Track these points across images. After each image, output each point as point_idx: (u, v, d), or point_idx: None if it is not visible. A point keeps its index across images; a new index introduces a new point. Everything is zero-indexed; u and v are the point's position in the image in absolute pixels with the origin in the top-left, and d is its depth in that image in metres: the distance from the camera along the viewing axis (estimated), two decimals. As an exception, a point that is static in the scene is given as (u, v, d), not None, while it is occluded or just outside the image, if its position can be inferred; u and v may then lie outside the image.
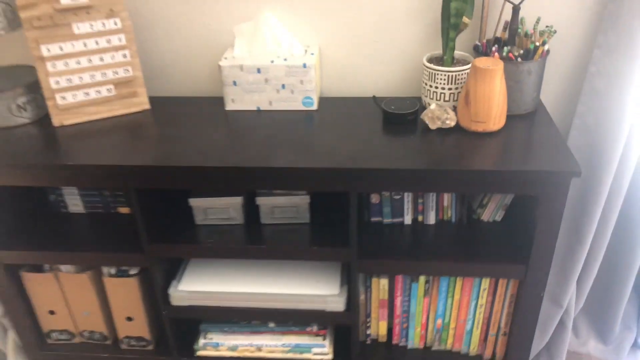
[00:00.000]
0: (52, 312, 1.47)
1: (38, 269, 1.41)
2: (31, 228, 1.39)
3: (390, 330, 1.46)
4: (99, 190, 1.40)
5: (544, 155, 1.09)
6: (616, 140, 1.22)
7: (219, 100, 1.34)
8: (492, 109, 1.11)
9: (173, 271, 1.40)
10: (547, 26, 1.18)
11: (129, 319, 1.44)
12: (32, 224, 1.40)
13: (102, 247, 1.33)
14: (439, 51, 1.25)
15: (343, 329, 1.42)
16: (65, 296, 1.44)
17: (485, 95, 1.10)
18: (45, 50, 1.20)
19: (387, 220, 1.35)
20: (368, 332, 1.46)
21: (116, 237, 1.35)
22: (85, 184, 1.23)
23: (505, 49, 1.16)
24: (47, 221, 1.42)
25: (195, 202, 1.29)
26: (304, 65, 1.23)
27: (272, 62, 1.24)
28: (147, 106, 1.33)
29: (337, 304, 1.32)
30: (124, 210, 1.43)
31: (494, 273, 1.24)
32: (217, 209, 1.30)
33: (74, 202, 1.43)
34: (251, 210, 1.31)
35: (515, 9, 1.16)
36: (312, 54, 1.27)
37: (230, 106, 1.31)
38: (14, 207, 1.38)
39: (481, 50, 1.20)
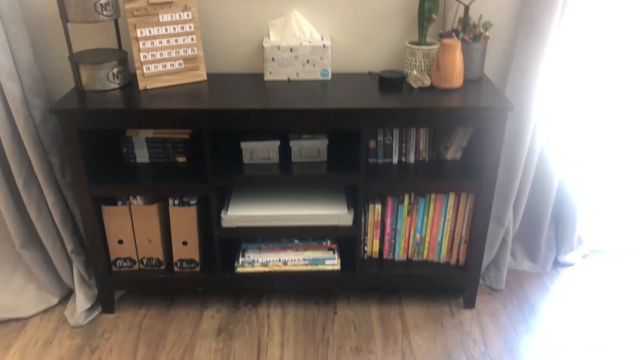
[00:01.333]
0: (120, 242, 1.87)
1: (114, 203, 1.82)
2: (111, 171, 1.81)
3: (381, 248, 1.96)
4: (162, 143, 1.84)
5: (489, 99, 1.66)
6: (533, 98, 1.81)
7: (258, 76, 1.84)
8: (455, 72, 1.68)
9: (221, 202, 1.85)
10: (486, 20, 1.76)
11: (185, 243, 1.87)
12: (111, 170, 1.82)
13: (169, 181, 1.77)
14: (415, 37, 1.81)
15: (347, 246, 1.92)
16: (133, 226, 1.85)
17: (450, 63, 1.66)
18: (139, 32, 1.67)
19: (380, 161, 1.87)
20: (365, 249, 1.96)
21: (179, 177, 1.80)
22: (164, 125, 1.69)
23: (461, 34, 1.73)
24: (122, 167, 1.84)
25: (245, 145, 1.76)
26: (324, 46, 1.76)
27: (301, 43, 1.76)
28: (205, 78, 1.80)
29: (347, 220, 1.82)
30: (182, 159, 1.87)
31: (458, 189, 1.79)
32: (260, 151, 1.78)
33: (142, 153, 1.86)
34: (284, 153, 1.80)
35: (466, 8, 1.74)
36: (328, 39, 1.80)
37: (268, 77, 1.81)
38: (97, 155, 1.80)
39: (444, 36, 1.77)
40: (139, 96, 1.69)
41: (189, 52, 1.75)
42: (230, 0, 1.79)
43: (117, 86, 1.73)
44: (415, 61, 1.75)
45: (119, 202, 1.82)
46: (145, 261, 1.92)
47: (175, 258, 1.90)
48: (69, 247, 1.95)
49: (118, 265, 1.91)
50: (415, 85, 1.72)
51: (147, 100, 1.67)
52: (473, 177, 1.77)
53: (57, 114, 1.60)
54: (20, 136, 1.77)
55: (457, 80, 1.70)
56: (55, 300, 2.02)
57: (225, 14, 1.81)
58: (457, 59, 1.66)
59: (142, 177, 1.80)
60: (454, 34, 1.74)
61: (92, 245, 1.84)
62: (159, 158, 1.87)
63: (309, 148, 1.78)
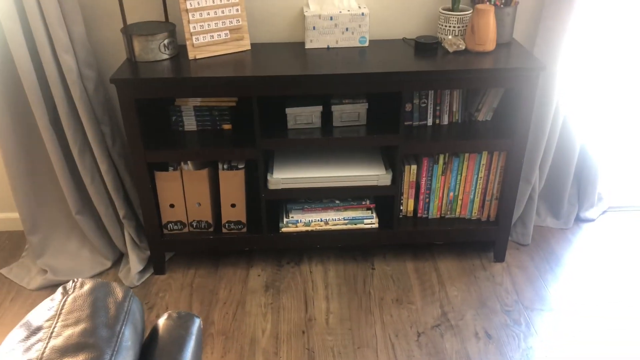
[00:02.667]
0: (172, 206, 1.99)
1: (165, 168, 1.93)
2: (163, 138, 1.92)
3: (415, 207, 2.08)
4: (209, 111, 1.94)
5: (521, 61, 1.76)
6: (559, 59, 1.91)
7: (298, 44, 1.94)
8: (488, 36, 1.77)
9: (266, 166, 1.96)
10: (516, -14, 1.86)
11: (233, 205, 1.98)
12: (163, 137, 1.93)
13: (219, 146, 1.87)
14: (448, 4, 1.90)
15: (384, 205, 2.03)
16: (184, 191, 1.96)
17: (484, 26, 1.76)
18: (189, 4, 1.76)
19: (415, 123, 1.98)
20: (401, 208, 2.07)
21: (226, 143, 1.91)
22: (213, 93, 1.79)
23: (493, 0, 1.83)
24: (172, 135, 1.95)
25: (289, 111, 1.87)
26: (362, 14, 1.85)
27: (340, 12, 1.85)
28: (249, 47, 1.90)
29: (385, 180, 1.93)
30: (227, 126, 1.98)
31: (491, 147, 1.90)
32: (303, 116, 1.88)
33: (189, 121, 1.96)
34: (326, 118, 1.90)
35: (497, -25, 1.83)
36: (365, 7, 1.89)
37: (309, 45, 1.90)
38: (149, 123, 1.90)
39: (476, 1, 1.86)
40: (189, 66, 1.79)
41: (234, 22, 1.84)
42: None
43: (167, 57, 1.82)
44: (450, 27, 1.85)
45: (170, 168, 1.93)
46: (195, 224, 2.03)
47: (224, 220, 2.02)
48: (121, 212, 2.06)
49: (169, 229, 2.03)
50: (450, 49, 1.82)
51: (197, 69, 1.77)
52: (505, 135, 1.87)
53: (116, 84, 1.70)
54: (75, 107, 1.87)
55: (490, 44, 1.79)
56: (108, 264, 2.14)
57: (266, -15, 1.90)
58: (490, 22, 1.76)
59: (191, 143, 1.90)
60: (486, 0, 1.83)
61: (145, 210, 1.95)
62: (205, 126, 1.97)
63: (350, 112, 1.89)
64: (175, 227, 2.03)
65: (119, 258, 2.16)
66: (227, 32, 1.84)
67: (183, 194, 1.96)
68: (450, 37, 1.83)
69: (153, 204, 1.94)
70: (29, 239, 2.08)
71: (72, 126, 1.89)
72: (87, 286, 0.86)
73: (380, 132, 1.87)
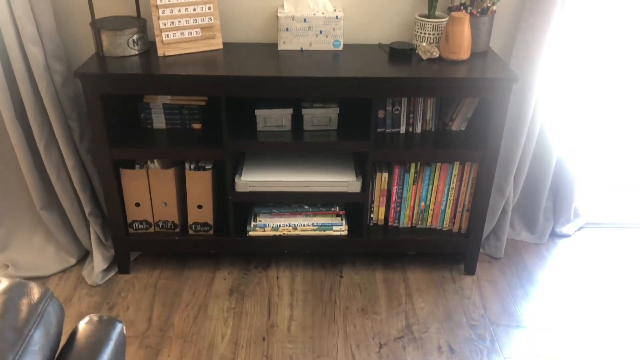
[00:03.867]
0: (137, 204, 1.95)
1: (132, 166, 1.89)
2: (130, 135, 1.88)
3: (386, 215, 2.05)
4: (179, 109, 1.91)
5: (495, 71, 1.73)
6: (536, 72, 1.88)
7: (272, 45, 1.91)
8: (463, 44, 1.74)
9: (235, 167, 1.93)
10: (494, -4, 1.83)
11: (199, 206, 1.95)
12: (130, 134, 1.89)
13: (186, 146, 1.84)
14: (424, 11, 1.88)
15: (354, 213, 2.00)
16: (150, 190, 1.93)
17: (458, 35, 1.73)
18: (159, 0, 1.73)
19: (388, 130, 1.95)
20: (371, 216, 2.04)
21: (194, 142, 1.87)
22: (181, 91, 1.76)
23: (469, 8, 1.80)
24: (140, 133, 1.91)
25: (259, 112, 1.83)
26: (337, 17, 1.82)
27: (314, 14, 1.82)
28: (221, 46, 1.87)
29: (355, 187, 1.90)
30: (197, 126, 1.94)
31: (463, 158, 1.87)
32: (273, 118, 1.85)
33: (159, 119, 1.93)
34: (297, 121, 1.87)
35: (475, -17, 1.80)
36: (340, 10, 1.86)
37: (282, 47, 1.87)
38: (116, 120, 1.87)
39: (453, 9, 1.84)
40: (157, 63, 1.76)
41: (206, 20, 1.81)
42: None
43: (136, 52, 1.79)
44: (425, 33, 1.82)
45: (137, 166, 1.89)
46: (161, 224, 1.99)
47: (190, 221, 1.98)
48: (87, 209, 2.03)
49: (134, 228, 1.99)
50: (424, 57, 1.79)
51: (166, 67, 1.73)
52: (477, 146, 1.84)
53: (80, 78, 1.67)
54: (42, 101, 1.83)
55: (464, 52, 1.76)
56: (73, 261, 2.10)
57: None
58: (465, 31, 1.73)
59: (159, 142, 1.87)
60: (462, 7, 1.80)
61: (110, 208, 1.92)
62: (175, 124, 1.94)
63: (321, 116, 1.85)
64: (141, 227, 1.99)
65: (84, 256, 2.13)
66: (199, 29, 1.81)
67: (149, 192, 1.93)
68: (424, 44, 1.80)
69: (118, 202, 1.91)
70: (-8, 233, 2.04)
71: (38, 120, 1.85)
72: (2, 285, 0.82)
73: (351, 137, 1.84)
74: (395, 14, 1.92)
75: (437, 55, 1.79)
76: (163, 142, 1.87)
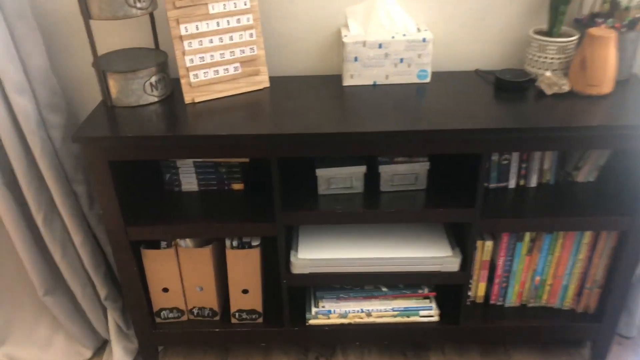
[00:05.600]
0: (165, 290, 1.51)
1: (157, 245, 1.45)
2: (152, 205, 1.43)
3: (488, 292, 1.56)
4: (215, 167, 1.45)
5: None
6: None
7: (333, 79, 1.43)
8: (607, 73, 1.24)
9: (289, 240, 1.46)
10: (641, 0, 1.31)
11: (245, 291, 1.49)
12: (152, 204, 1.44)
13: (226, 219, 1.38)
14: (541, 26, 1.37)
15: (447, 292, 1.52)
16: (181, 272, 1.48)
17: (601, 60, 1.22)
18: (184, 29, 1.26)
19: (493, 185, 1.45)
20: (469, 293, 1.55)
21: (236, 210, 1.41)
22: (218, 154, 1.28)
23: (609, 20, 1.29)
24: (165, 199, 1.46)
25: (321, 172, 1.36)
26: (423, 40, 1.33)
27: (393, 37, 1.33)
28: (267, 84, 1.40)
29: (452, 265, 1.41)
30: (238, 186, 1.49)
31: (599, 226, 1.36)
32: (340, 179, 1.37)
33: (189, 179, 1.48)
34: (371, 180, 1.39)
35: (618, -15, 1.29)
36: (426, 29, 1.37)
37: (348, 82, 1.39)
38: (133, 185, 1.42)
39: (583, 23, 1.33)
40: (184, 113, 1.30)
41: (247, 52, 1.35)
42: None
43: (155, 99, 1.33)
44: (546, 58, 1.32)
45: (163, 243, 1.45)
46: (196, 311, 1.55)
47: (233, 308, 1.53)
48: (102, 292, 1.60)
49: (162, 317, 1.55)
50: (548, 91, 1.29)
51: (196, 119, 1.27)
52: (618, 208, 1.34)
53: (81, 143, 1.23)
54: (37, 163, 1.40)
55: (607, 85, 1.26)
56: (88, 354, 1.68)
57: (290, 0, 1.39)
58: (610, 55, 1.22)
59: (190, 212, 1.42)
60: (598, 19, 1.29)
61: (131, 296, 1.48)
62: (209, 185, 1.49)
63: (405, 174, 1.38)
64: (171, 315, 1.55)
65: (102, 345, 1.70)
66: (237, 65, 1.35)
67: (180, 275, 1.49)
68: (548, 73, 1.29)
69: (140, 289, 1.47)
70: (-14, 325, 1.63)
71: (34, 187, 1.42)
72: None
73: (446, 202, 1.36)
74: (499, 30, 1.42)
75: (568, 88, 1.28)
76: (195, 213, 1.41)
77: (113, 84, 1.29)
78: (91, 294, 1.62)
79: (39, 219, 1.47)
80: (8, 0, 1.25)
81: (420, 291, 1.51)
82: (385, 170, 1.37)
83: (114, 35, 1.41)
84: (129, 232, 1.36)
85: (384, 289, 1.51)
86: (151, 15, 1.35)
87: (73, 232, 1.50)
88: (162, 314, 1.55)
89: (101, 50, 1.32)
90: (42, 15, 1.38)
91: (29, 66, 1.33)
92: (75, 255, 1.55)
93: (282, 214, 1.33)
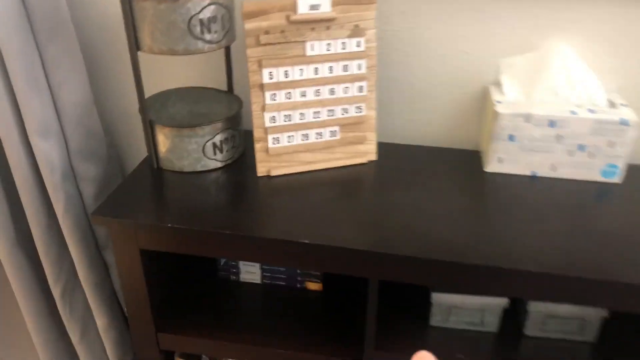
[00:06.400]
0: (202, 408, 1.12)
1: (198, 357, 1.07)
2: (196, 301, 1.05)
3: None
4: (287, 259, 1.05)
5: None
6: None
7: (468, 155, 0.99)
8: None
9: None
10: None
11: None
12: (197, 295, 1.06)
13: (293, 343, 0.97)
14: None
15: None
16: (225, 392, 1.09)
17: None
18: (267, 75, 0.87)
19: (693, 344, 0.96)
20: None
21: (309, 327, 1.00)
22: (296, 264, 0.87)
23: None
24: (215, 291, 1.08)
25: (439, 298, 0.92)
26: (622, 122, 0.86)
27: (574, 113, 0.88)
28: (373, 157, 0.98)
29: None
30: (315, 286, 1.08)
31: None
32: (466, 310, 0.93)
33: (250, 269, 1.08)
34: (511, 315, 0.94)
35: None
36: (624, 104, 0.90)
37: (493, 167, 0.95)
38: (172, 269, 1.05)
39: None
40: (254, 191, 0.91)
41: (352, 111, 0.94)
42: (432, 13, 0.94)
43: (219, 164, 0.95)
44: None
45: (205, 358, 1.06)
46: None
47: None
48: (127, 389, 1.24)
49: None
50: None
51: (270, 202, 0.88)
52: None
53: (100, 225, 0.86)
54: (59, 225, 1.06)
55: None
56: None
57: (418, 40, 0.97)
58: None
59: (245, 318, 1.02)
60: None
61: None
62: (276, 279, 1.09)
63: (565, 317, 0.91)
64: None
65: None
66: (336, 128, 0.94)
67: (222, 395, 1.09)
68: None
69: (170, 405, 1.09)
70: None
71: (52, 254, 1.09)
72: None
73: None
74: None
75: None
76: (251, 323, 1.01)
77: (163, 141, 0.92)
78: (113, 388, 1.26)
79: (56, 292, 1.13)
80: (40, 8, 0.91)
81: None
82: (537, 308, 0.91)
83: (175, 65, 1.04)
84: (160, 340, 0.98)
85: None
86: (227, 51, 0.97)
87: (97, 312, 1.15)
88: None
89: (155, 85, 0.96)
90: (84, 32, 1.04)
91: (61, 99, 1.00)
92: (97, 339, 1.21)
93: (374, 351, 0.90)
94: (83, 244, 1.08)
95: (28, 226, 1.07)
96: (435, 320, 0.95)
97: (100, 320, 1.16)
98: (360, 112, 0.94)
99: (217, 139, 0.92)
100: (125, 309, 1.22)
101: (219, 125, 0.91)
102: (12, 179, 1.03)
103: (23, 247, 1.10)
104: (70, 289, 1.14)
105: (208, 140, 0.91)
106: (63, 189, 1.03)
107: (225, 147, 0.94)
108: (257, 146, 0.91)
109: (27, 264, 1.11)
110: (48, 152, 0.99)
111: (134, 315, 0.95)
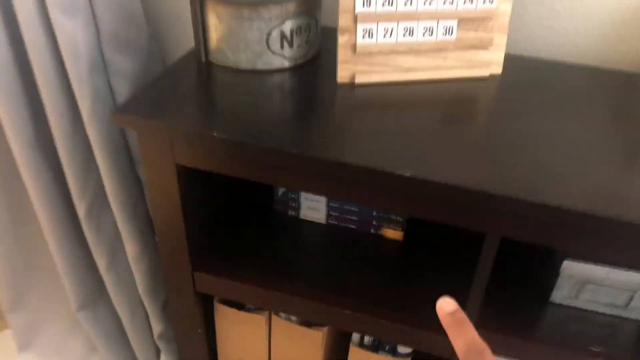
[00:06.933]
0: (242, 364, 0.94)
1: (241, 305, 0.87)
2: (244, 239, 0.84)
3: None
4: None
5: None
6: None
7: (628, 78, 0.71)
8: None
9: None
10: None
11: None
12: (246, 232, 0.85)
13: (364, 302, 0.75)
14: None
15: None
16: (270, 350, 0.90)
17: None
18: None
19: None
20: None
21: (382, 285, 0.78)
22: (381, 204, 0.63)
23: None
24: (269, 229, 0.86)
25: (571, 267, 0.68)
26: None
27: None
28: (498, 70, 0.71)
29: None
30: (394, 234, 0.85)
31: None
32: (606, 289, 0.68)
33: (313, 204, 0.86)
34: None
35: None
36: None
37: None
38: (216, 196, 0.84)
39: None
40: (331, 103, 0.67)
41: (479, 3, 0.66)
42: None
43: (287, 63, 0.71)
44: None
45: (250, 307, 0.87)
46: (281, 402, 0.97)
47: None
48: (157, 328, 1.08)
49: (231, 395, 0.99)
50: None
51: (350, 118, 0.64)
52: None
53: (124, 128, 0.64)
54: (85, 131, 0.86)
55: None
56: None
57: None
58: None
59: (304, 267, 0.81)
60: None
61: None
62: (346, 221, 0.86)
63: None
64: (244, 396, 0.98)
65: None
66: (453, 25, 0.67)
67: (268, 353, 0.91)
68: None
69: (205, 354, 0.91)
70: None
71: (76, 165, 0.89)
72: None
73: None
74: None
75: None
76: (311, 274, 0.80)
77: (215, 24, 0.68)
78: (142, 323, 1.10)
79: (81, 210, 0.94)
80: None
81: None
82: None
83: None
84: (197, 282, 0.79)
85: None
86: None
87: (127, 238, 0.96)
88: (231, 391, 0.99)
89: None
90: None
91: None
92: (126, 269, 1.03)
93: (482, 316, 0.68)
94: (113, 155, 0.88)
95: (49, 127, 0.87)
96: (560, 296, 0.71)
97: (131, 248, 0.97)
98: (492, 4, 0.67)
99: (287, 26, 0.67)
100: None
101: (291, 6, 0.66)
102: (30, 74, 0.83)
103: (43, 152, 0.91)
104: (98, 207, 0.96)
105: (274, 28, 0.67)
106: (89, 83, 0.81)
107: (296, 41, 0.69)
108: (341, 40, 0.66)
109: (48, 173, 0.92)
110: (72, 33, 0.77)
111: (167, 248, 0.75)
